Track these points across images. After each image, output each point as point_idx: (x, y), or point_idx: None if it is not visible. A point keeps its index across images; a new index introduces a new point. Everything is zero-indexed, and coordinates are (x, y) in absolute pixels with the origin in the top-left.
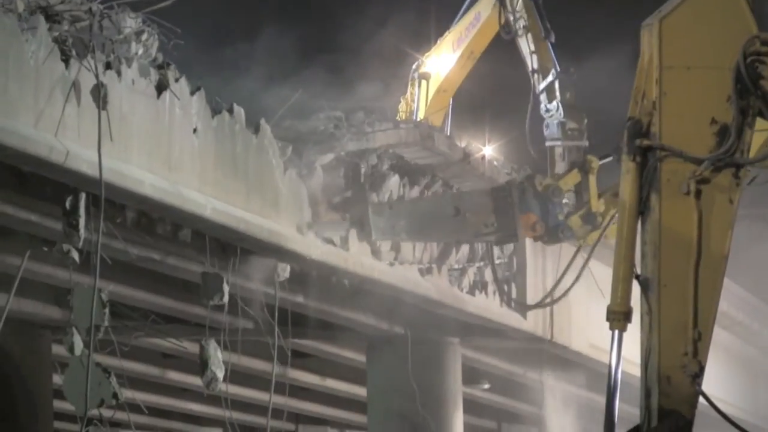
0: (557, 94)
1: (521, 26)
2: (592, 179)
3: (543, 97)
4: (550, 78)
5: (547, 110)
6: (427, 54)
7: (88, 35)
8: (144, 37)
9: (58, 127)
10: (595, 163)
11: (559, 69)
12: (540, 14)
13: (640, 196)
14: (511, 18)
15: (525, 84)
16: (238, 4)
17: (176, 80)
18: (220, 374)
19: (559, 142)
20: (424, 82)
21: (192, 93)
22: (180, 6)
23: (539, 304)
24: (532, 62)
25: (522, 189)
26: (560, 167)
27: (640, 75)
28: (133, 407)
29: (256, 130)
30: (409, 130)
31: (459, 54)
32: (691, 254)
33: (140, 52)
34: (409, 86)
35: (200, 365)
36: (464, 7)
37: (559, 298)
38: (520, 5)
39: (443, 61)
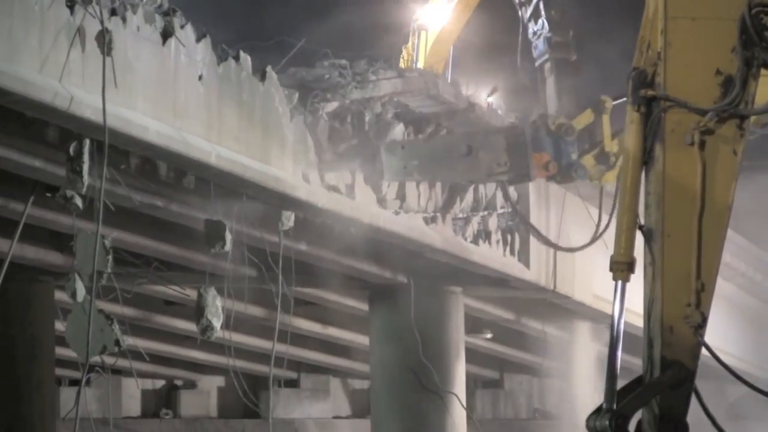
0: (542, 12)
1: None
2: (606, 119)
3: (531, 24)
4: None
5: (534, 32)
6: (423, 5)
7: None
8: None
9: (62, 72)
10: (609, 102)
11: None
12: None
13: (644, 147)
14: None
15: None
16: None
17: (182, 27)
18: (217, 323)
19: (546, 56)
20: (423, 32)
21: (198, 40)
22: None
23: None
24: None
25: (535, 128)
26: (550, 83)
27: (645, 25)
28: (135, 354)
29: (263, 77)
30: (414, 79)
31: (454, 4)
32: (695, 205)
33: None
34: (411, 36)
35: (196, 313)
36: None
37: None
38: None
39: (440, 11)
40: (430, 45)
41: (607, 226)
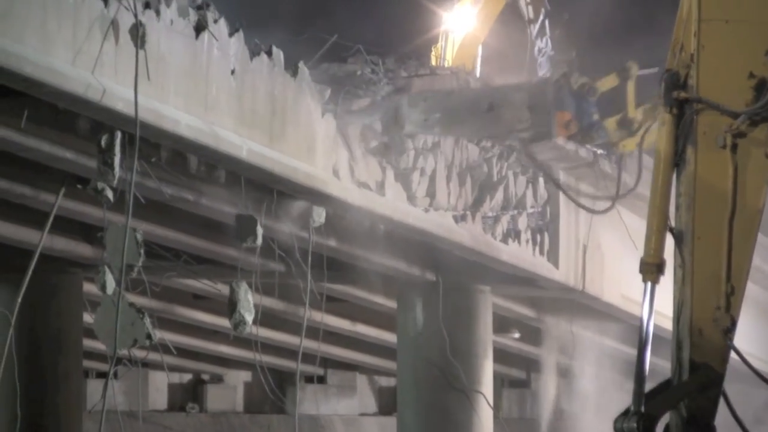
0: (547, 31)
1: None
2: (631, 85)
3: (537, 41)
4: (541, 17)
5: (539, 50)
6: (449, 9)
7: None
8: None
9: (95, 64)
10: (635, 69)
11: (549, 8)
12: None
13: (676, 148)
14: None
15: None
16: None
17: (215, 21)
18: (249, 317)
19: (549, 75)
20: (450, 35)
21: (231, 34)
22: None
23: None
24: (528, 12)
25: (557, 87)
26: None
27: (678, 27)
28: (163, 348)
29: (294, 72)
30: (447, 77)
31: (477, 11)
32: (726, 208)
33: None
34: (440, 39)
35: (229, 307)
36: None
37: None
38: None
39: (465, 16)
40: (456, 49)
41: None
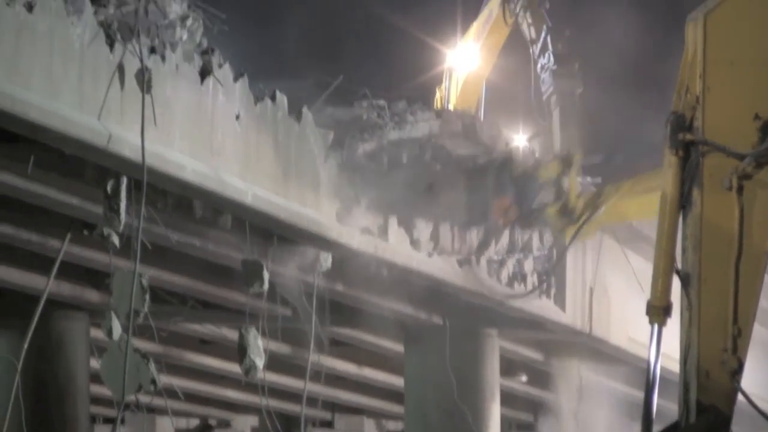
0: (549, 46)
1: (521, 7)
2: (573, 173)
3: (540, 59)
4: (542, 34)
5: (542, 66)
6: (453, 48)
7: (134, 19)
8: (189, 22)
9: (101, 110)
10: (578, 157)
11: (550, 24)
12: None
13: (682, 191)
14: (515, 8)
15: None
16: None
17: (220, 66)
18: (260, 362)
19: (551, 89)
20: (453, 74)
21: (235, 79)
22: None
23: None
24: (530, 33)
25: (498, 172)
26: (555, 116)
27: (683, 69)
28: (170, 393)
29: (299, 117)
30: (452, 121)
31: (479, 47)
32: (732, 250)
33: (185, 37)
34: (444, 78)
35: (239, 352)
36: (484, 2)
37: None
38: None
39: (468, 54)
40: (460, 87)
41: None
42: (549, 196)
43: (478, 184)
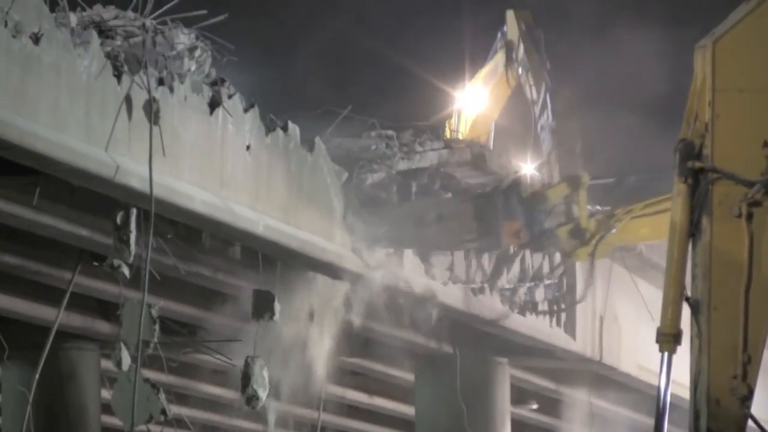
0: (548, 104)
1: (523, 69)
2: (582, 194)
3: (540, 119)
4: (542, 94)
5: (542, 127)
6: (461, 90)
7: (141, 51)
8: (197, 53)
9: (108, 142)
10: (586, 178)
11: (550, 84)
12: (538, 48)
13: (691, 218)
14: (519, 70)
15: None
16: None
17: (229, 97)
18: (263, 393)
19: (552, 147)
20: (462, 113)
21: (245, 110)
22: (234, 21)
23: None
24: (531, 94)
25: (506, 196)
26: (555, 174)
27: (692, 97)
28: (180, 423)
29: (311, 148)
30: (461, 150)
31: (487, 92)
32: (742, 277)
33: (193, 68)
34: (454, 116)
35: (242, 381)
36: (492, 49)
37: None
38: (522, 54)
39: (477, 96)
40: (469, 125)
41: None
42: (559, 218)
43: (487, 209)
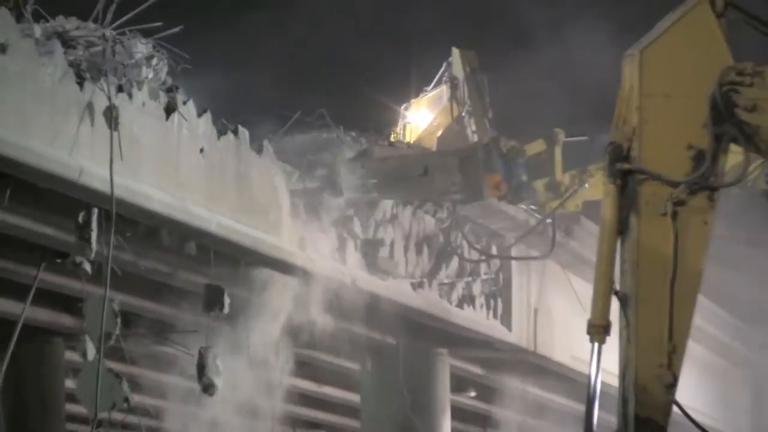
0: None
1: (467, 111)
2: (558, 150)
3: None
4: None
5: None
6: (406, 106)
7: (102, 59)
8: (154, 61)
9: (72, 145)
10: (561, 135)
11: (491, 133)
12: (481, 94)
13: (620, 217)
14: (463, 110)
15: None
16: (241, 33)
17: (184, 103)
18: (218, 381)
19: None
20: (408, 126)
21: (199, 115)
22: (188, 32)
23: None
24: (473, 138)
25: (487, 150)
26: None
27: (620, 102)
28: (142, 410)
29: (260, 150)
30: (402, 148)
31: (432, 117)
32: (668, 272)
33: (150, 75)
34: (399, 127)
35: (197, 371)
36: (439, 75)
37: None
38: (466, 95)
39: (422, 116)
40: (414, 139)
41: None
42: (535, 171)
43: (470, 162)
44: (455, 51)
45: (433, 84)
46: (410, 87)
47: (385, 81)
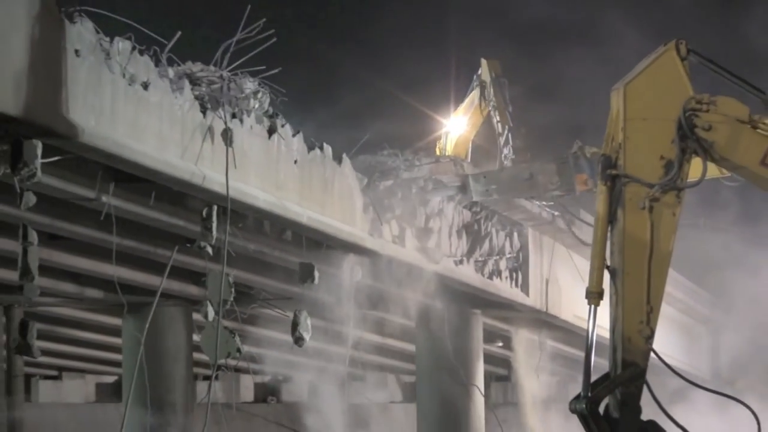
0: (510, 141)
1: (492, 107)
2: None
3: (504, 149)
4: (505, 130)
5: (505, 156)
6: (447, 117)
7: (220, 94)
8: (259, 95)
9: (197, 159)
10: None
11: (511, 125)
12: (503, 93)
13: (610, 210)
14: (490, 106)
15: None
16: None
17: (282, 126)
18: (307, 336)
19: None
20: (449, 135)
21: (294, 135)
22: (285, 72)
23: None
24: (497, 128)
25: (576, 156)
26: None
27: (610, 124)
28: (250, 358)
29: (339, 161)
30: (446, 164)
31: (466, 120)
32: (646, 251)
33: (256, 105)
34: (443, 137)
35: (292, 328)
36: (470, 87)
37: None
38: (492, 94)
39: (458, 123)
40: (453, 146)
41: None
42: None
43: (564, 166)
44: (483, 61)
45: (468, 91)
46: (450, 103)
47: (428, 98)
